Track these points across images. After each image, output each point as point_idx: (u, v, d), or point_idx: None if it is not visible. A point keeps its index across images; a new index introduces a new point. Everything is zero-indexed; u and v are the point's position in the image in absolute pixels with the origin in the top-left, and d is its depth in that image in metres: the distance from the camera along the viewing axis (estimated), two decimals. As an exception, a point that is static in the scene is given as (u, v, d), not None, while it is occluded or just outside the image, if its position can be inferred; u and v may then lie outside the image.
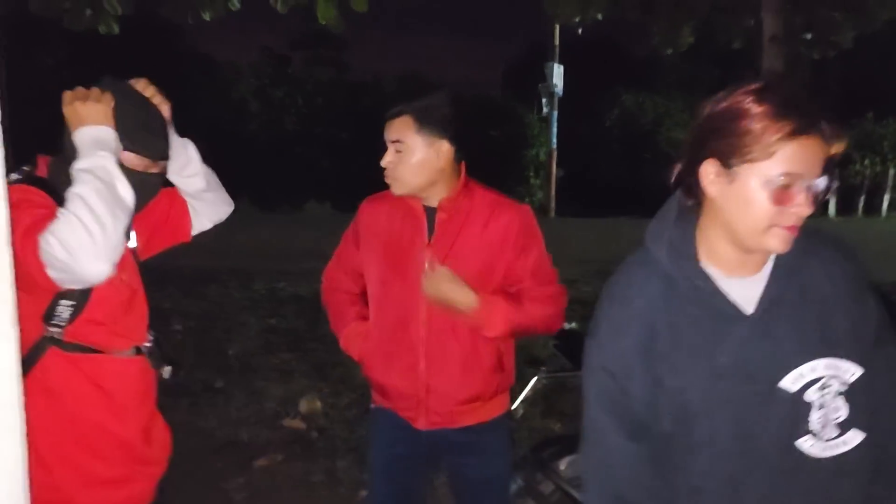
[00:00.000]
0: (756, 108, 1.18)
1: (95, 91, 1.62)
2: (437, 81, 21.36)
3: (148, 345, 1.77)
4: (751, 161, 1.18)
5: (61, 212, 1.45)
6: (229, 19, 6.02)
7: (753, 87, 1.21)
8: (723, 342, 1.25)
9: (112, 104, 1.61)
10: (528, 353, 5.38)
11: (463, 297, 2.00)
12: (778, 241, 1.22)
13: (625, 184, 20.25)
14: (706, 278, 1.28)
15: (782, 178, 1.17)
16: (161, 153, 1.71)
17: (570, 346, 2.56)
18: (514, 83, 22.69)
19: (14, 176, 1.64)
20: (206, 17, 5.83)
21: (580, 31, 7.27)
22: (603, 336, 1.36)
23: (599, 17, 6.73)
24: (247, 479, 3.62)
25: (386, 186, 2.10)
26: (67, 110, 1.60)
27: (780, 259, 1.28)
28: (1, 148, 0.84)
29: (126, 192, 1.52)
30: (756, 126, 1.17)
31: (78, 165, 1.51)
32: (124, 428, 1.71)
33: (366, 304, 2.22)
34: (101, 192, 1.47)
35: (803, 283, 1.28)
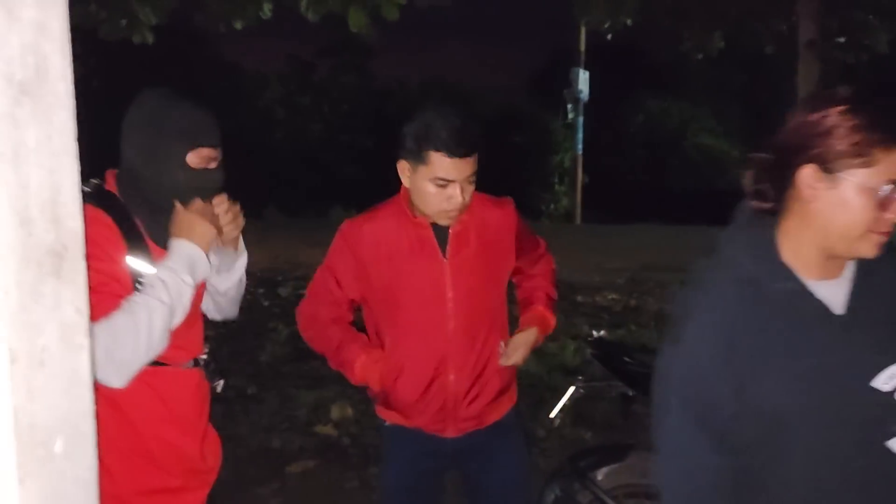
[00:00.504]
0: (858, 117, 1.20)
1: (230, 212, 1.75)
2: (461, 88, 21.42)
3: (204, 357, 1.81)
4: (854, 167, 1.20)
5: (126, 314, 1.51)
6: (256, 28, 6.09)
7: (850, 94, 1.23)
8: (810, 344, 1.26)
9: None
10: (560, 362, 5.37)
11: (532, 339, 2.23)
12: (870, 246, 1.25)
13: (651, 190, 20.13)
14: (795, 279, 1.29)
15: (886, 185, 1.19)
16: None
17: (609, 355, 2.54)
18: (539, 89, 22.66)
19: (84, 189, 1.65)
20: (238, 25, 5.90)
21: (609, 36, 7.24)
22: (684, 344, 1.34)
23: (629, 22, 6.71)
24: (280, 486, 3.65)
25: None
26: (184, 215, 1.65)
27: (860, 262, 1.31)
28: (76, 162, 0.85)
29: (179, 321, 1.60)
30: (859, 135, 1.20)
31: (164, 273, 1.58)
32: (184, 439, 1.74)
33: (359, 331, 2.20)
34: (164, 317, 1.54)
35: (881, 283, 1.31)
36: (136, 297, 1.54)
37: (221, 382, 1.84)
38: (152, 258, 1.66)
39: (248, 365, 5.48)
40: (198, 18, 6.04)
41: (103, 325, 1.46)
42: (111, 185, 1.72)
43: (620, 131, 22.02)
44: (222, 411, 4.48)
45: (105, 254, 1.59)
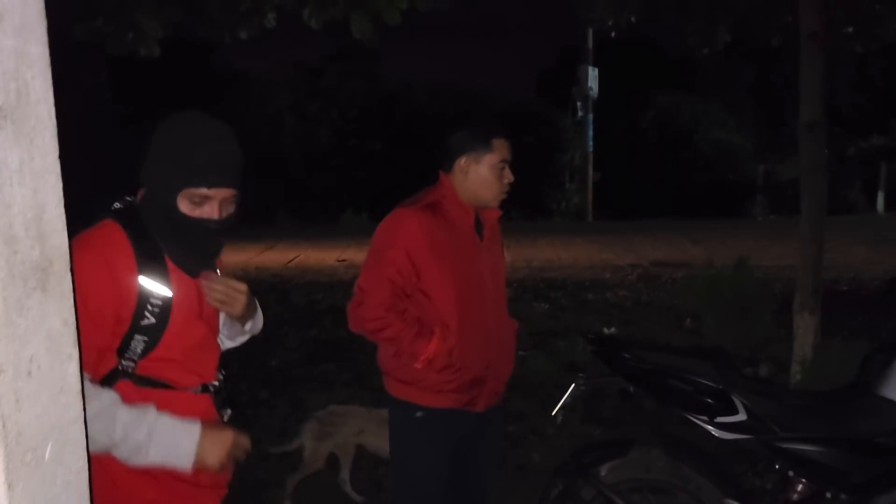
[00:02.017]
0: None
1: (223, 292, 1.65)
2: (470, 89, 21.42)
3: (216, 384, 1.73)
4: None
5: (106, 412, 1.49)
6: (263, 36, 6.13)
7: None
8: None
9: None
10: (566, 358, 5.38)
11: None
12: None
13: (663, 186, 20.05)
14: None
15: None
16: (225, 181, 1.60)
17: (609, 352, 2.56)
18: (547, 88, 22.63)
19: (116, 205, 1.65)
20: (243, 35, 5.95)
21: (613, 34, 7.23)
22: None
23: (633, 19, 6.69)
24: (291, 489, 3.68)
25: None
26: (214, 438, 1.60)
27: None
28: (59, 181, 0.89)
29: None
30: None
31: (139, 427, 1.51)
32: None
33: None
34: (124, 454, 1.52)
35: None
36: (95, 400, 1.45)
37: (229, 412, 1.77)
38: (170, 279, 1.59)
39: (260, 370, 5.53)
40: (203, 29, 6.09)
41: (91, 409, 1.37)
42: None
43: (631, 128, 21.94)
44: (233, 416, 4.55)
45: (130, 262, 1.54)
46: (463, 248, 2.31)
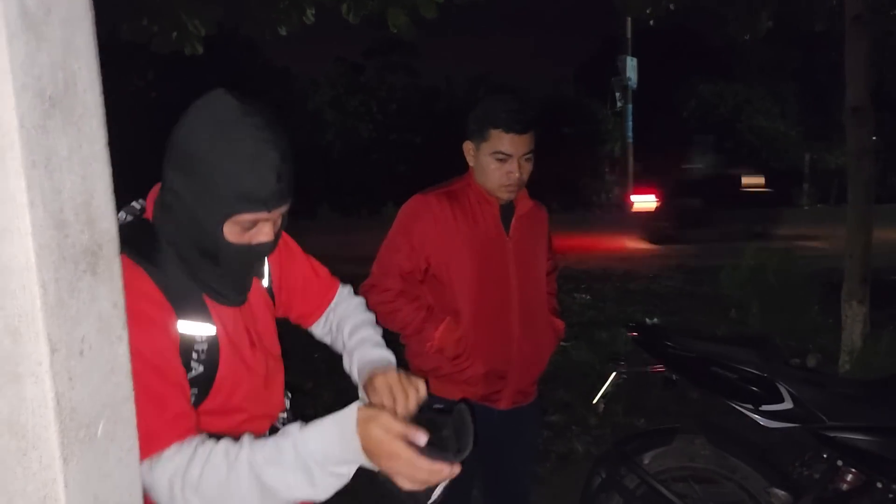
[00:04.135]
0: None
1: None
2: (508, 82, 21.34)
3: (284, 415, 1.47)
4: None
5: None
6: (304, 33, 6.20)
7: None
8: None
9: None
10: (609, 349, 5.34)
11: None
12: None
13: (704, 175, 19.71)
14: None
15: None
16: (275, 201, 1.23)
17: (651, 340, 2.54)
18: (586, 79, 22.42)
19: (121, 215, 1.30)
20: (283, 31, 6.03)
21: (651, 22, 7.13)
22: None
23: (672, 6, 6.59)
24: (335, 477, 3.74)
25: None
26: (394, 446, 1.09)
27: None
28: (108, 167, 0.92)
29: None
30: None
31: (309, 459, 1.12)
32: None
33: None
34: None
35: None
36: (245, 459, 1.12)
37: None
38: (210, 314, 1.29)
39: (305, 361, 5.61)
40: (244, 27, 6.19)
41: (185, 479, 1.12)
42: (149, 210, 1.31)
43: (672, 117, 21.62)
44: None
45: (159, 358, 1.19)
46: (483, 237, 2.24)
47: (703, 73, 21.19)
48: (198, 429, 1.22)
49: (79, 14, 0.87)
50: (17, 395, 0.81)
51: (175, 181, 1.21)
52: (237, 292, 1.34)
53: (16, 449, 0.82)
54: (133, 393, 0.96)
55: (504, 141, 2.15)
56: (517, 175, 2.18)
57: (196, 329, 1.26)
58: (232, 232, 1.22)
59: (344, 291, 1.70)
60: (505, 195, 2.23)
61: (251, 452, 1.13)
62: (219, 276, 1.29)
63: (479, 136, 2.20)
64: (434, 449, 1.11)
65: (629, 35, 18.20)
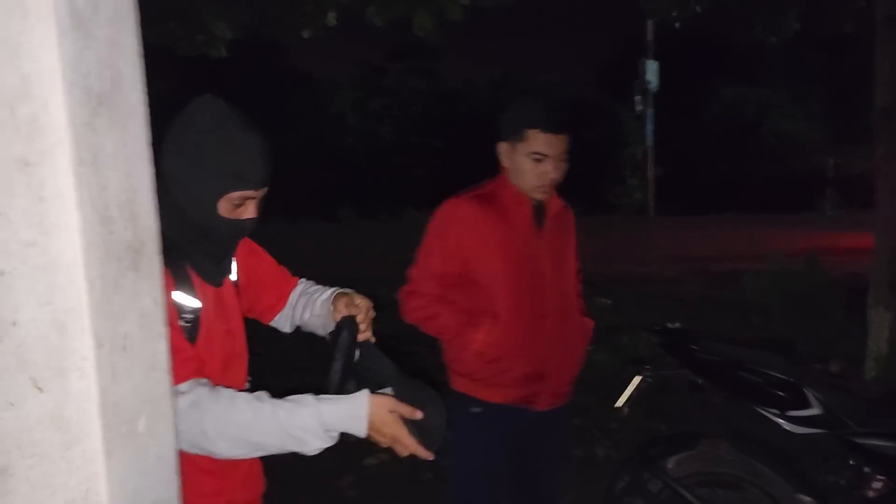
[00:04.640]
0: None
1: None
2: (530, 85, 21.32)
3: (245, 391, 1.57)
4: None
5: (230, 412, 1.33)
6: (326, 36, 6.23)
7: None
8: None
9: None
10: (630, 353, 5.31)
11: None
12: None
13: (728, 179, 19.58)
14: None
15: None
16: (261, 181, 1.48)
17: (676, 344, 2.52)
18: (607, 82, 22.34)
19: None
20: (306, 34, 6.06)
21: (677, 25, 7.09)
22: None
23: (698, 9, 6.55)
24: (358, 477, 3.75)
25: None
26: (395, 428, 1.39)
27: None
28: (150, 165, 0.93)
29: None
30: None
31: (312, 419, 1.35)
32: (221, 490, 1.57)
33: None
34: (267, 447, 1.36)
35: None
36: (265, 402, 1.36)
37: None
38: (196, 292, 1.47)
39: (326, 362, 5.63)
40: (268, 31, 6.24)
41: (200, 407, 1.33)
42: None
43: (694, 120, 21.47)
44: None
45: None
46: (518, 238, 2.26)
47: (726, 76, 21.03)
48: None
49: (125, 13, 0.88)
50: (62, 390, 0.83)
51: (174, 166, 1.42)
52: (219, 272, 1.55)
53: (60, 443, 0.84)
54: (171, 390, 0.97)
55: (541, 141, 2.17)
56: (553, 175, 2.20)
57: (186, 300, 1.45)
58: (225, 209, 1.45)
59: (304, 281, 1.88)
60: (540, 195, 2.24)
61: (273, 405, 1.37)
62: (205, 255, 1.50)
63: (516, 136, 2.20)
64: (414, 427, 1.41)
65: (650, 39, 18.12)
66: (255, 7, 5.80)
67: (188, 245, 1.47)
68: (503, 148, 2.26)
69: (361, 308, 1.65)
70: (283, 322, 1.85)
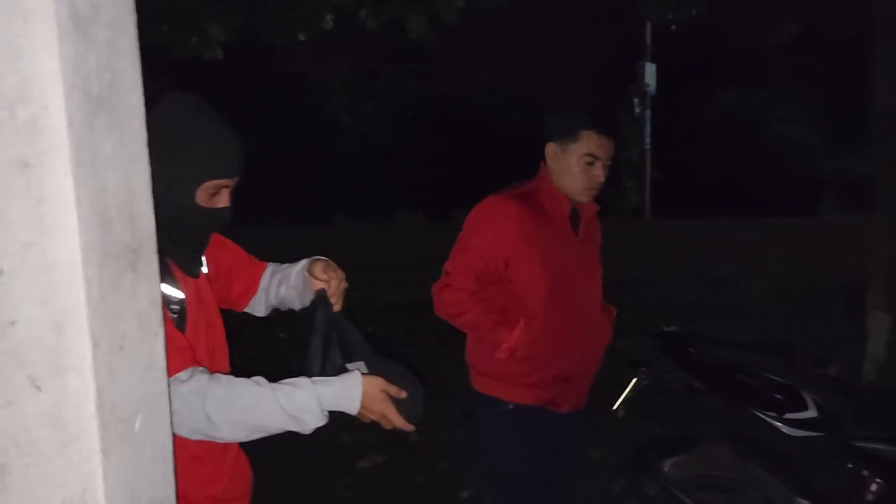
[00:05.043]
0: None
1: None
2: (526, 88, 21.34)
3: None
4: None
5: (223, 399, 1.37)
6: (319, 38, 6.23)
7: None
8: None
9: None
10: (627, 357, 5.31)
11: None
12: None
13: (726, 183, 19.60)
14: None
15: None
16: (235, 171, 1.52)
17: (673, 346, 2.53)
18: (605, 85, 22.37)
19: None
20: (301, 37, 6.06)
21: (674, 27, 7.11)
22: None
23: (694, 12, 6.57)
24: (351, 479, 3.75)
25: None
26: (384, 406, 1.49)
27: None
28: (147, 166, 0.93)
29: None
30: None
31: (310, 399, 1.42)
32: (214, 479, 1.59)
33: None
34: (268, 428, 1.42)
35: None
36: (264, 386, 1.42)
37: None
38: (179, 284, 1.50)
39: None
40: (263, 33, 6.23)
41: (202, 393, 1.37)
42: None
43: (692, 124, 21.50)
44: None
45: None
46: (555, 240, 2.26)
47: (724, 79, 21.06)
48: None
49: (124, 16, 0.88)
50: (60, 389, 0.83)
51: (154, 168, 1.40)
52: (195, 263, 1.58)
53: (57, 441, 0.84)
54: (167, 389, 0.97)
55: (595, 143, 2.19)
56: (602, 179, 2.22)
57: (171, 291, 1.48)
58: (201, 198, 1.48)
59: (272, 265, 1.90)
60: (586, 198, 2.26)
61: (272, 388, 1.42)
62: (182, 247, 1.52)
63: (569, 138, 2.21)
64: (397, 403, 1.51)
65: (648, 41, 18.14)
66: (250, 9, 5.79)
67: (166, 238, 1.44)
68: (551, 149, 2.26)
69: (336, 277, 1.70)
70: (257, 307, 1.88)
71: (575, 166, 2.20)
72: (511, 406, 2.29)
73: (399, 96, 21.53)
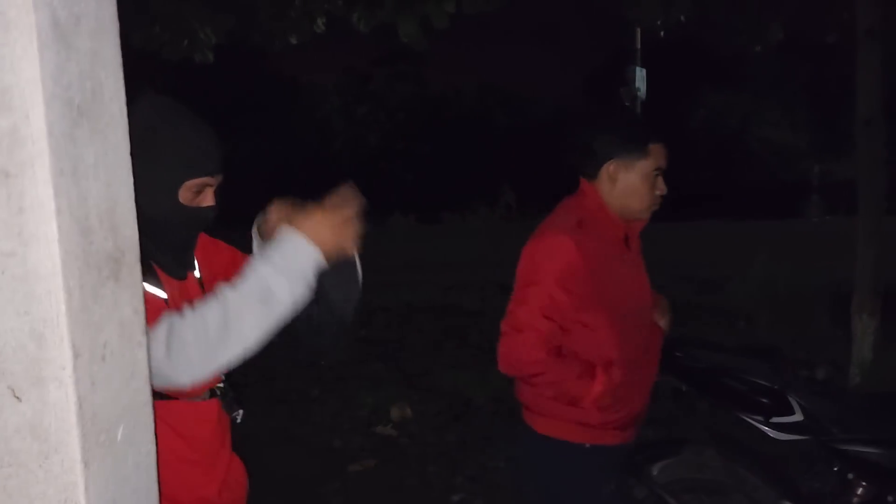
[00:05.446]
0: None
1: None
2: (517, 92, 21.41)
3: (221, 385, 1.60)
4: None
5: (196, 314, 1.33)
6: (312, 42, 6.22)
7: None
8: None
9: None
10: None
11: None
12: None
13: (712, 186, 19.71)
14: None
15: None
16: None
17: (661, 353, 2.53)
18: (595, 89, 22.46)
19: None
20: (293, 40, 6.06)
21: (662, 33, 7.15)
22: None
23: (682, 18, 6.60)
24: (342, 484, 3.74)
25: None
26: (325, 221, 1.43)
27: None
28: (130, 175, 0.93)
29: (274, 327, 1.37)
30: None
31: (259, 266, 1.36)
32: (204, 479, 1.56)
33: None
34: (248, 312, 1.33)
35: None
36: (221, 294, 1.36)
37: (241, 413, 1.64)
38: (163, 285, 1.48)
39: (311, 368, 5.62)
40: (254, 36, 6.22)
41: (169, 324, 1.33)
42: None
43: (680, 128, 21.62)
44: (286, 413, 4.65)
45: None
46: (615, 267, 2.02)
47: (713, 83, 21.19)
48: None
49: (106, 25, 0.88)
50: (40, 399, 0.82)
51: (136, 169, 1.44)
52: (180, 265, 1.55)
53: (38, 452, 0.83)
54: (151, 398, 0.97)
55: (662, 155, 2.02)
56: (665, 191, 2.04)
57: (154, 290, 1.45)
58: (185, 198, 1.46)
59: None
60: (648, 216, 2.07)
61: (229, 288, 1.36)
62: (165, 249, 1.49)
63: (636, 153, 1.99)
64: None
65: (638, 46, 18.21)
66: (242, 12, 5.78)
67: (149, 242, 1.40)
68: (611, 169, 2.00)
69: (285, 211, 1.58)
70: None
71: (642, 183, 2.00)
72: (588, 447, 2.06)
73: (391, 100, 21.57)
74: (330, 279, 1.48)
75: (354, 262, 1.54)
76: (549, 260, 1.95)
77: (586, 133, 2.06)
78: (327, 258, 1.41)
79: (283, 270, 1.35)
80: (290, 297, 1.35)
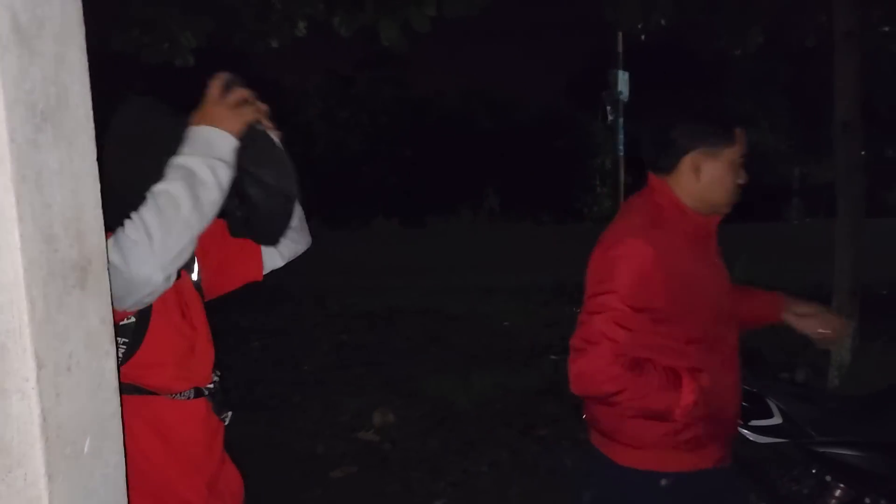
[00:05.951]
0: None
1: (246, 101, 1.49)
2: (500, 95, 21.45)
3: (211, 386, 1.57)
4: None
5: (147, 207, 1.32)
6: (294, 45, 6.20)
7: None
8: None
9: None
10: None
11: None
12: None
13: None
14: None
15: None
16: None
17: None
18: (577, 92, 22.56)
19: None
20: (274, 44, 6.03)
21: (643, 37, 7.19)
22: None
23: (663, 21, 6.64)
24: (324, 491, 3.71)
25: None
26: (215, 106, 1.44)
27: None
28: (97, 182, 0.91)
29: (210, 208, 1.37)
30: None
31: (182, 159, 1.37)
32: (184, 488, 1.51)
33: None
34: (182, 199, 1.33)
35: None
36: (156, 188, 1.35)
37: (230, 414, 1.61)
38: None
39: (292, 373, 5.59)
40: (236, 39, 6.19)
41: (129, 225, 1.31)
42: None
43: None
44: (268, 419, 4.61)
45: None
46: (695, 267, 1.84)
47: (694, 87, 21.33)
48: None
49: (71, 29, 0.87)
50: (2, 412, 0.80)
51: (116, 159, 1.42)
52: None
53: (1, 466, 0.81)
54: (120, 409, 0.95)
55: (744, 140, 1.84)
56: (746, 179, 1.87)
57: None
58: None
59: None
60: (728, 209, 1.89)
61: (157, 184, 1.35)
62: None
63: (723, 141, 1.81)
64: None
65: (620, 49, 18.30)
66: (223, 16, 5.75)
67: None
68: (696, 160, 1.81)
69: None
70: (271, 262, 1.79)
71: (727, 172, 1.82)
72: (670, 479, 1.82)
73: (374, 103, 21.53)
74: (253, 158, 1.50)
75: (272, 140, 1.56)
76: (624, 265, 1.76)
77: (662, 123, 1.87)
78: (237, 136, 1.44)
79: (198, 153, 1.38)
80: (213, 178, 1.37)
